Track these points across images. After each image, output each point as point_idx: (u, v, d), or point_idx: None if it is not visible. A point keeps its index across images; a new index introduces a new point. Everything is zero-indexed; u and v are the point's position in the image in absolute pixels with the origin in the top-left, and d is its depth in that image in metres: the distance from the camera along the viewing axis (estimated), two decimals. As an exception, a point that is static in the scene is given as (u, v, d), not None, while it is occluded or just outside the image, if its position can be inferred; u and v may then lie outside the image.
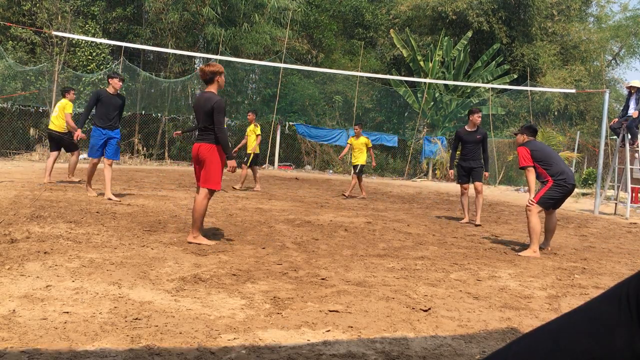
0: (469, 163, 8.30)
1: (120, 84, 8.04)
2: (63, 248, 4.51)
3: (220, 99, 5.16)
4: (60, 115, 9.87)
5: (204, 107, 5.16)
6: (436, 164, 21.32)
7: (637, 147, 11.20)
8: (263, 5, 20.68)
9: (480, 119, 8.37)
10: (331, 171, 21.08)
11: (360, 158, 11.39)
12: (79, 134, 8.18)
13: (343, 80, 22.92)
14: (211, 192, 5.24)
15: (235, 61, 18.94)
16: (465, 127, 8.47)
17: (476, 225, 7.94)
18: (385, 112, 24.35)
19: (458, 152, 8.57)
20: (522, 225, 8.41)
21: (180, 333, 2.75)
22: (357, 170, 11.39)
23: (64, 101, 9.92)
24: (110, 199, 7.69)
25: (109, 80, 8.00)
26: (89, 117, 8.35)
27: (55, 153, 9.96)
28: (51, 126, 9.98)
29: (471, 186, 8.53)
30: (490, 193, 15.53)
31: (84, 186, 8.67)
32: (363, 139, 11.47)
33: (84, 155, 17.14)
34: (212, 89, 5.26)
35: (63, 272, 3.76)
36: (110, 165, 8.00)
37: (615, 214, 11.17)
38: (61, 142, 10.02)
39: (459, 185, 8.66)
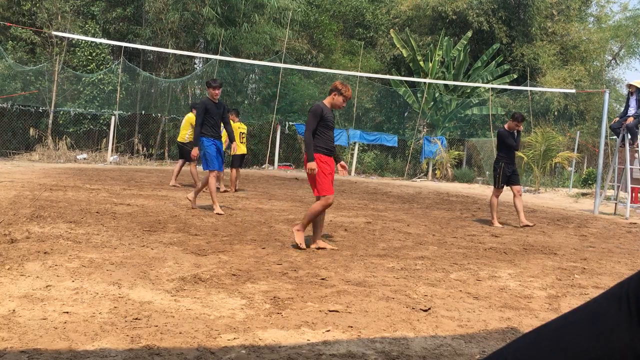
0: (512, 166, 8.20)
1: (218, 92, 7.55)
2: (63, 248, 4.51)
3: (316, 105, 5.35)
4: (185, 126, 10.95)
5: None
6: (436, 164, 21.32)
7: (637, 147, 11.20)
8: (263, 5, 20.67)
9: (516, 127, 8.22)
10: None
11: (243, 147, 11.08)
12: (195, 152, 7.69)
13: (343, 80, 22.90)
14: (325, 199, 5.29)
15: (235, 61, 18.94)
16: (506, 127, 8.26)
17: (527, 227, 7.83)
18: (385, 112, 24.34)
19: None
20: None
21: (180, 333, 2.75)
22: (239, 162, 10.93)
23: (190, 115, 10.76)
24: (219, 213, 7.22)
25: (209, 89, 7.59)
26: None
27: (181, 161, 11.12)
28: (179, 137, 11.40)
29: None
30: (490, 193, 15.51)
31: (197, 201, 8.06)
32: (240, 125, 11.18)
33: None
34: (326, 100, 5.45)
35: (63, 272, 3.76)
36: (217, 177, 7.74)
37: (615, 214, 11.17)
38: (182, 151, 11.00)
39: (494, 187, 8.33)
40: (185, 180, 11.69)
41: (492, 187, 8.51)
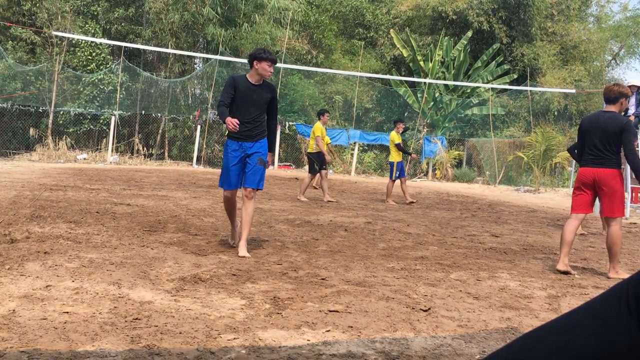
0: None
1: (271, 70, 4.92)
2: (63, 248, 4.51)
3: (629, 120, 4.88)
4: (312, 136, 10.40)
5: (604, 126, 4.88)
6: (436, 164, 21.32)
7: (637, 147, 11.19)
8: (263, 5, 20.68)
9: None
10: (331, 171, 21.08)
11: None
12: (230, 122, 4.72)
13: (343, 80, 22.91)
14: (620, 219, 5.02)
15: (235, 61, 18.94)
16: None
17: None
18: (385, 112, 24.35)
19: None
20: (522, 225, 8.41)
21: (180, 333, 2.75)
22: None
23: (317, 124, 10.43)
24: (243, 256, 4.68)
25: (255, 63, 4.86)
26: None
27: (309, 175, 10.41)
28: (308, 148, 10.75)
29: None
30: (490, 193, 15.53)
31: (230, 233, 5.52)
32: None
33: (83, 155, 17.10)
34: (614, 108, 4.94)
35: (63, 272, 3.76)
36: (251, 198, 5.03)
37: (615, 214, 11.16)
38: (310, 163, 10.42)
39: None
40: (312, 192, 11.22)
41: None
